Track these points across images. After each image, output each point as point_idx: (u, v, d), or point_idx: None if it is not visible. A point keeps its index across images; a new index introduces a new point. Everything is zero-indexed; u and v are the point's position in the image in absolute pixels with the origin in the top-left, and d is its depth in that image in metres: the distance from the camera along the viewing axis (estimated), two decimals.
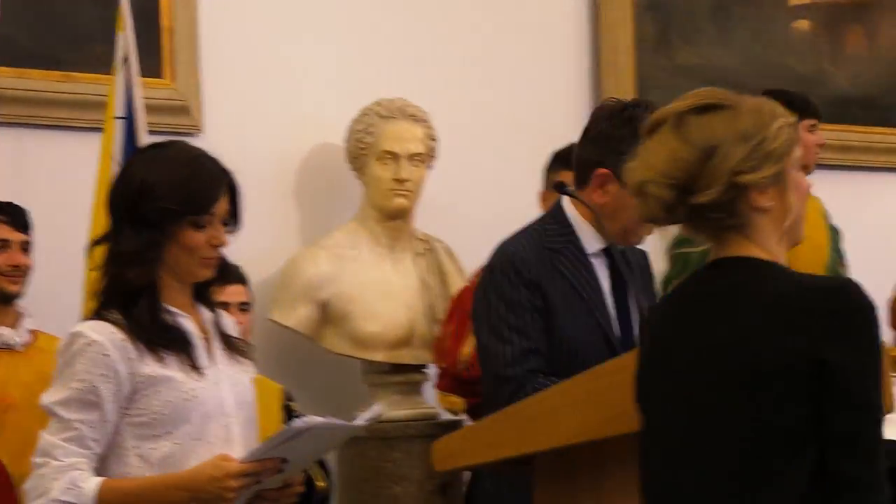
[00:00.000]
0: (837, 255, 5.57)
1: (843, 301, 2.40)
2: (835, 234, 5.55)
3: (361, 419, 2.95)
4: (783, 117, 2.49)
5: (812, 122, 5.35)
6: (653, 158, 2.48)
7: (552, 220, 3.63)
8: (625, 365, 2.68)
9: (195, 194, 2.92)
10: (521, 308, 3.47)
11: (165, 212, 2.88)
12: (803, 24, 6.43)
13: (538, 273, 3.49)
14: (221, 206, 2.95)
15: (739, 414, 2.41)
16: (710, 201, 2.43)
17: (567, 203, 3.60)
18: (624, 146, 3.23)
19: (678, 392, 2.51)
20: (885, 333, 5.85)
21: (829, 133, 6.09)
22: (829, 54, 6.47)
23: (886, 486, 2.38)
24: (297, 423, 2.82)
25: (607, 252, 3.57)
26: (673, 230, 5.29)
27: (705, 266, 2.57)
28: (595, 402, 2.72)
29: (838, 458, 2.35)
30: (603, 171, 3.48)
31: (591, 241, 3.56)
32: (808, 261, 5.37)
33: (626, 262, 3.58)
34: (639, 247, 3.71)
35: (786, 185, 2.47)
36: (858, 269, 5.80)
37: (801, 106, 5.31)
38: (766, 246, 2.49)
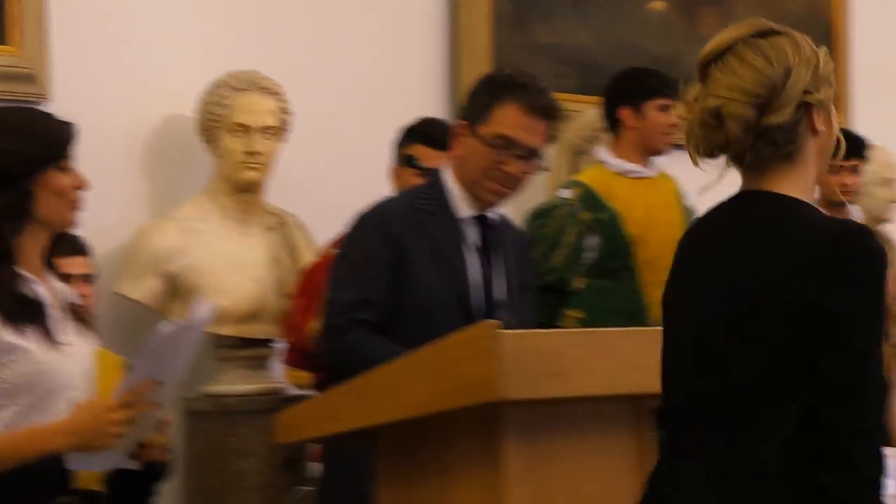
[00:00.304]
0: None
1: (848, 247, 2.45)
2: (689, 214, 5.58)
3: (200, 314, 2.99)
4: (822, 47, 2.62)
5: (665, 102, 5.35)
6: (734, 80, 2.54)
7: (429, 186, 3.72)
8: (471, 337, 2.71)
9: (53, 139, 2.96)
10: (371, 260, 3.53)
11: (31, 160, 2.89)
12: (659, 5, 6.49)
13: (402, 230, 3.54)
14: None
15: (740, 350, 2.50)
16: (781, 122, 2.52)
17: (445, 171, 3.67)
18: (481, 99, 3.39)
19: (692, 319, 2.63)
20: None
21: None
22: (684, 35, 6.54)
23: (875, 435, 2.44)
24: (152, 336, 2.83)
25: (482, 222, 3.60)
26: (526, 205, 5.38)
27: (742, 194, 2.65)
28: (439, 375, 2.72)
29: (827, 406, 2.42)
30: (462, 123, 3.61)
31: (463, 206, 3.61)
32: (662, 238, 5.41)
33: (501, 238, 3.61)
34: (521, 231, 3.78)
35: (830, 111, 2.59)
36: None
37: (655, 85, 5.36)
38: (806, 179, 2.60)
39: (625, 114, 5.28)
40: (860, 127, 6.68)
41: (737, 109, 2.54)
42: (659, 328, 2.84)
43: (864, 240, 2.47)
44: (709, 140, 2.61)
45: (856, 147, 5.98)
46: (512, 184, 3.60)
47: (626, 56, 5.96)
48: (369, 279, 3.50)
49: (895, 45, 7.20)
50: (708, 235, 2.73)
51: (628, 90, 5.32)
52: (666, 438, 2.67)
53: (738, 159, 2.62)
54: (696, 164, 2.66)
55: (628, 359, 2.84)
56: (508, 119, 3.55)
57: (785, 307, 2.47)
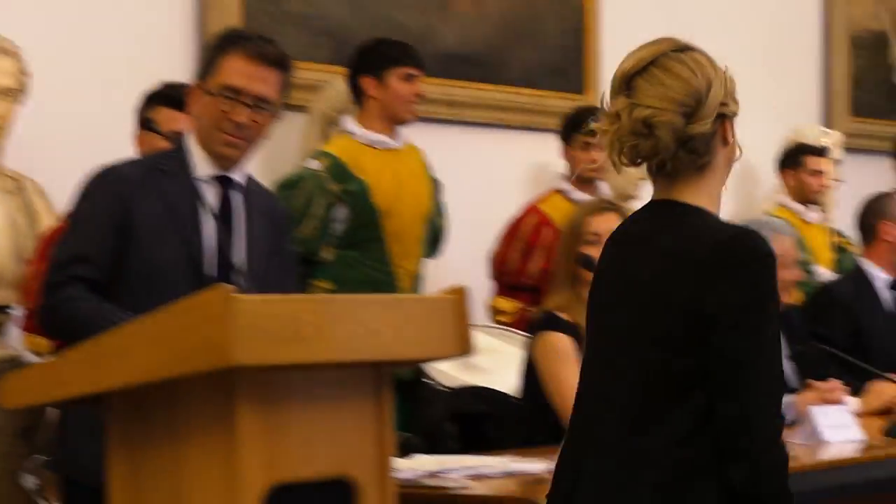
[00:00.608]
0: (437, 207, 5.68)
1: (732, 254, 2.65)
2: (435, 185, 5.66)
3: None
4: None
5: (409, 70, 5.39)
6: (662, 90, 2.71)
7: (172, 149, 3.71)
8: (203, 302, 2.68)
9: None
10: (94, 218, 3.51)
11: None
12: None
13: (132, 190, 3.50)
14: None
15: (644, 352, 2.70)
16: (703, 132, 2.71)
17: (188, 133, 3.65)
18: (209, 56, 3.62)
19: (605, 320, 2.83)
20: (487, 285, 6.07)
21: (436, 88, 6.24)
22: (437, 10, 6.58)
23: (769, 427, 2.64)
24: None
25: (226, 183, 3.58)
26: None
27: (655, 202, 2.83)
28: (170, 339, 2.67)
29: (720, 404, 2.61)
30: (195, 82, 3.64)
31: (203, 167, 3.58)
32: (410, 209, 5.51)
33: (248, 201, 3.60)
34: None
35: (733, 123, 2.80)
36: (462, 222, 5.98)
37: (397, 55, 5.40)
38: (713, 189, 2.78)
39: (368, 83, 5.32)
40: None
41: (667, 118, 2.69)
42: (399, 295, 2.95)
43: (749, 245, 2.66)
44: (638, 148, 2.75)
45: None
46: (244, 133, 3.56)
47: (379, 29, 5.98)
48: (90, 236, 3.47)
49: (641, 26, 7.37)
50: (622, 241, 2.90)
51: (371, 60, 5.37)
52: (572, 430, 2.82)
53: (661, 167, 2.77)
54: (618, 171, 2.89)
55: (367, 325, 2.84)
56: (233, 68, 3.55)
57: (678, 311, 2.67)
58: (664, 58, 2.75)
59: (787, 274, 5.12)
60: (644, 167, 2.76)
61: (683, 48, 2.78)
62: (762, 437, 2.62)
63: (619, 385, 2.72)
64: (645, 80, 2.74)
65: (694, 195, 2.77)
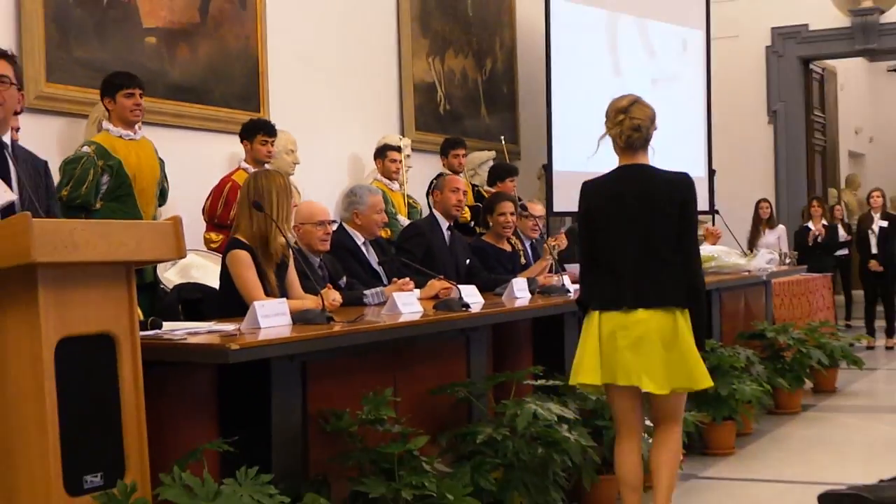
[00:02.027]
0: (163, 176, 5.55)
1: (687, 180, 3.70)
2: (162, 163, 5.57)
3: None
4: None
5: (129, 91, 5.24)
6: (644, 112, 3.73)
7: None
8: (12, 222, 2.59)
9: None
10: None
11: None
12: (151, 39, 6.32)
13: None
14: None
15: (659, 224, 3.65)
16: (650, 135, 3.74)
17: None
18: None
19: (632, 214, 3.65)
20: (202, 225, 5.97)
21: (168, 106, 6.11)
22: (168, 56, 6.42)
23: (698, 256, 3.75)
24: None
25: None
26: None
27: (626, 166, 3.74)
28: None
29: (682, 247, 3.66)
30: None
31: None
32: (147, 177, 5.39)
33: (16, 155, 3.26)
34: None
35: None
36: (185, 186, 5.87)
37: (121, 81, 5.29)
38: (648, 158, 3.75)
39: (107, 101, 5.16)
40: (273, 113, 6.83)
41: (646, 124, 3.71)
42: (138, 221, 2.86)
43: (690, 178, 3.72)
44: (633, 137, 3.70)
45: (267, 128, 6.10)
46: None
47: (129, 67, 5.77)
48: None
49: (294, 74, 7.36)
50: (621, 181, 3.73)
51: (106, 86, 5.21)
52: (620, 275, 3.65)
53: (633, 146, 3.72)
54: (617, 151, 3.78)
55: (118, 238, 2.79)
56: None
57: (674, 203, 3.64)
58: (638, 101, 3.74)
59: (378, 217, 5.23)
60: None
61: (640, 98, 3.76)
62: (698, 262, 3.71)
63: (653, 243, 3.63)
64: (636, 108, 3.71)
65: (644, 160, 3.74)
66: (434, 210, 6.04)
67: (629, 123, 3.66)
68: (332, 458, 3.38)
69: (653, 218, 3.62)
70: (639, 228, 3.63)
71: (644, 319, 3.62)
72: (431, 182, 7.75)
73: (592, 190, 3.73)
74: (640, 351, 3.61)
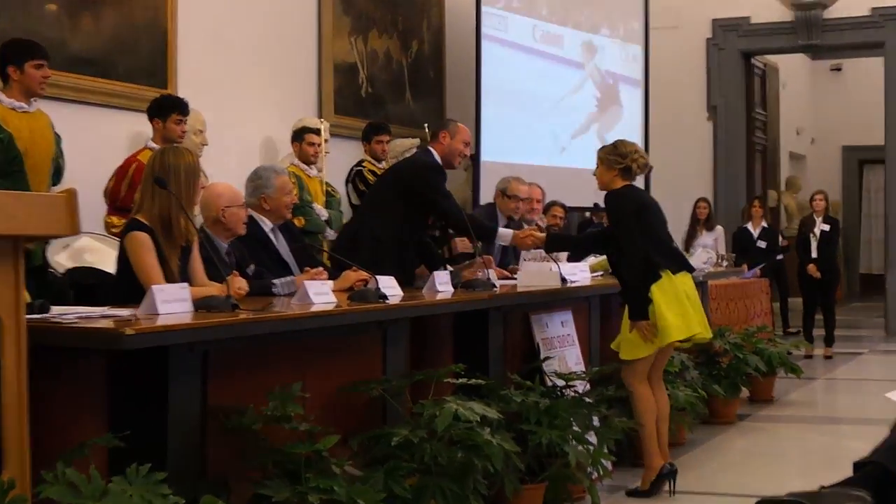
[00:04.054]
0: (58, 152, 5.43)
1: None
2: (58, 138, 5.45)
3: None
4: None
5: (39, 62, 5.17)
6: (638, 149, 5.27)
7: None
8: None
9: None
10: None
11: None
12: (52, 7, 6.20)
13: None
14: None
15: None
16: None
17: None
18: None
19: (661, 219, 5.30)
20: (104, 208, 5.84)
21: (67, 79, 6.01)
22: (69, 26, 6.29)
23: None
24: None
25: None
26: None
27: (636, 186, 5.37)
28: None
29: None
30: None
31: None
32: (40, 153, 5.28)
33: None
34: None
35: None
36: (84, 164, 5.76)
37: (31, 50, 5.16)
38: None
39: (12, 70, 5.07)
40: (181, 90, 6.74)
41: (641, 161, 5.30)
42: (30, 192, 2.79)
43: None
44: (642, 171, 5.29)
45: (182, 106, 6.02)
46: None
47: (27, 36, 5.65)
48: None
49: (206, 49, 7.27)
50: (646, 196, 5.41)
51: (13, 53, 5.13)
52: (660, 253, 5.16)
53: (635, 176, 5.26)
54: (621, 177, 5.24)
55: (7, 211, 2.71)
56: None
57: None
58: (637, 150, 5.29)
59: (287, 199, 5.18)
60: None
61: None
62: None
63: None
64: (642, 151, 5.29)
65: None
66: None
67: (643, 161, 5.25)
68: (233, 457, 3.34)
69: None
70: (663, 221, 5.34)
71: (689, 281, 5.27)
72: (351, 170, 7.72)
73: (634, 195, 5.23)
74: (697, 304, 5.25)
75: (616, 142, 5.33)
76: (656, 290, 5.07)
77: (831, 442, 6.66)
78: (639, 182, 5.41)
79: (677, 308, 5.10)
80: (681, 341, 5.27)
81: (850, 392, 9.05)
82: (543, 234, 5.82)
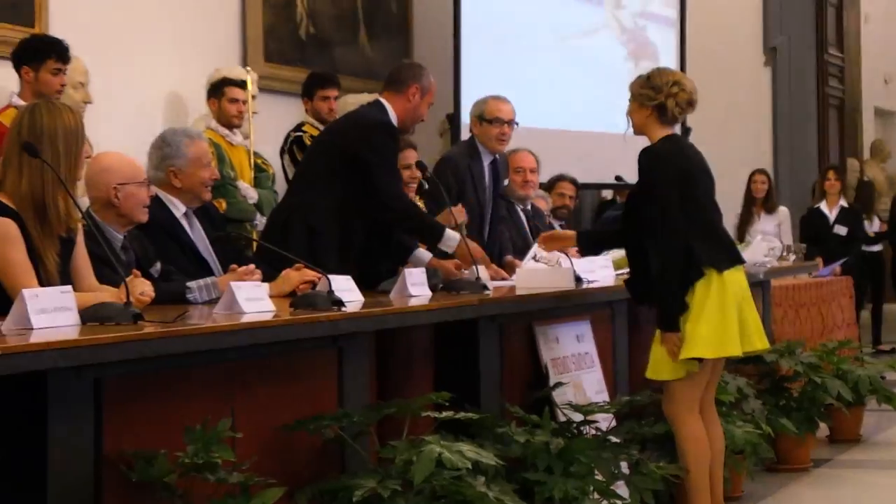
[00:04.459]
0: None
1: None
2: None
3: None
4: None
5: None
6: (694, 88, 5.34)
7: None
8: None
9: None
10: None
11: None
12: None
13: None
14: None
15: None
16: None
17: None
18: None
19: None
20: None
21: None
22: None
23: None
24: None
25: None
26: None
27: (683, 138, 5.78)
28: None
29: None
30: None
31: None
32: None
33: None
34: None
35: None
36: None
37: None
38: None
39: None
40: (54, 29, 6.73)
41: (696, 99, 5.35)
42: None
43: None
44: (686, 112, 5.37)
45: (60, 51, 6.02)
46: None
47: None
48: None
49: None
50: (696, 156, 5.43)
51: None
52: (725, 234, 5.49)
53: (678, 120, 5.43)
54: (656, 120, 5.31)
55: None
56: None
57: None
58: (684, 75, 5.47)
59: (205, 174, 5.18)
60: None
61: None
62: None
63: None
64: (687, 81, 5.33)
65: None
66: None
67: (684, 97, 5.21)
68: None
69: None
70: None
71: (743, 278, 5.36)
72: (288, 136, 7.72)
73: (677, 156, 5.22)
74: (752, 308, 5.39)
75: (652, 70, 5.40)
76: (700, 290, 5.15)
77: None
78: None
79: (719, 316, 5.15)
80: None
81: None
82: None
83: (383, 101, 5.72)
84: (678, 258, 5.11)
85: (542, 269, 5.75)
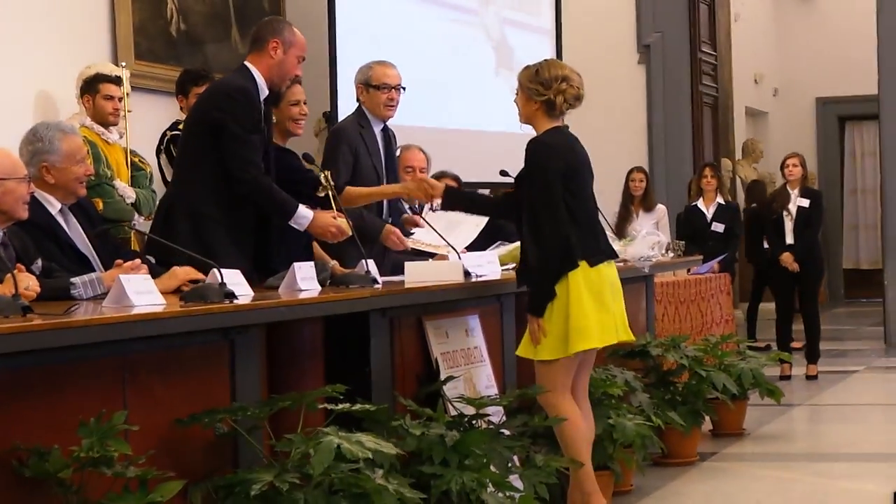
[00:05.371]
0: None
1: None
2: None
3: None
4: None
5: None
6: (581, 83, 5.46)
7: None
8: None
9: None
10: None
11: None
12: None
13: None
14: None
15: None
16: None
17: None
18: None
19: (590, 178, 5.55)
20: None
21: None
22: None
23: None
24: None
25: None
26: None
27: (567, 131, 5.52)
28: None
29: None
30: None
31: None
32: None
33: None
34: None
35: None
36: None
37: None
38: None
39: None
40: None
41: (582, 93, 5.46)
42: None
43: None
44: (573, 106, 5.43)
45: None
46: None
47: None
48: None
49: None
50: (579, 149, 5.53)
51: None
52: (600, 231, 5.56)
53: (563, 113, 5.48)
54: (545, 114, 5.43)
55: None
56: None
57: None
58: (572, 69, 5.54)
59: (79, 170, 5.12)
60: None
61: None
62: None
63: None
64: (574, 76, 5.44)
65: None
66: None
67: (572, 93, 5.35)
68: None
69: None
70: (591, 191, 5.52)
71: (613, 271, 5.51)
72: (164, 135, 7.65)
73: (564, 148, 5.38)
74: (619, 301, 5.50)
75: (541, 63, 5.49)
76: (576, 280, 5.29)
77: (820, 485, 6.84)
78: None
79: (598, 306, 5.35)
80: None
81: (842, 421, 9.32)
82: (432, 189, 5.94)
83: (248, 64, 5.62)
84: (556, 247, 5.26)
85: (427, 265, 5.79)
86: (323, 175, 5.64)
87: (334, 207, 5.53)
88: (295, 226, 5.50)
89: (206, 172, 5.45)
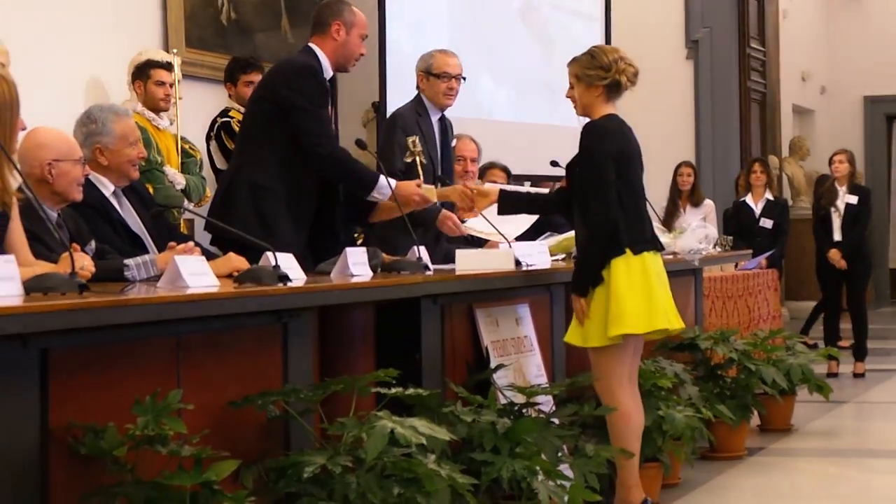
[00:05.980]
0: None
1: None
2: None
3: None
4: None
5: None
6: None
7: None
8: None
9: None
10: None
11: None
12: None
13: None
14: None
15: None
16: None
17: None
18: None
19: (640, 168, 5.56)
20: None
21: None
22: None
23: None
24: None
25: None
26: None
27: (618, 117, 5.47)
28: None
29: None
30: None
31: None
32: None
33: None
34: None
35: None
36: None
37: None
38: None
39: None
40: None
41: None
42: None
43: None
44: (629, 87, 5.44)
45: None
46: None
47: None
48: None
49: None
50: (631, 137, 5.50)
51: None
52: (648, 220, 5.57)
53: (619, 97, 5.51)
54: (603, 99, 5.42)
55: None
56: None
57: None
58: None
59: (132, 152, 5.13)
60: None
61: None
62: None
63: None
64: (628, 57, 5.42)
65: None
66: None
67: (632, 70, 5.34)
68: (88, 493, 3.34)
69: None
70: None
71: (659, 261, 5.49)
72: (214, 122, 7.66)
73: (619, 134, 5.39)
74: (666, 289, 5.46)
75: (591, 50, 5.48)
76: (618, 267, 5.28)
77: (867, 481, 6.85)
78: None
79: (644, 293, 5.31)
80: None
81: (890, 418, 9.32)
82: (482, 197, 5.86)
83: (312, 45, 5.67)
84: (604, 231, 5.27)
85: (482, 252, 5.77)
86: (411, 140, 5.72)
87: (420, 176, 5.57)
88: (377, 196, 5.53)
89: (269, 149, 5.52)
